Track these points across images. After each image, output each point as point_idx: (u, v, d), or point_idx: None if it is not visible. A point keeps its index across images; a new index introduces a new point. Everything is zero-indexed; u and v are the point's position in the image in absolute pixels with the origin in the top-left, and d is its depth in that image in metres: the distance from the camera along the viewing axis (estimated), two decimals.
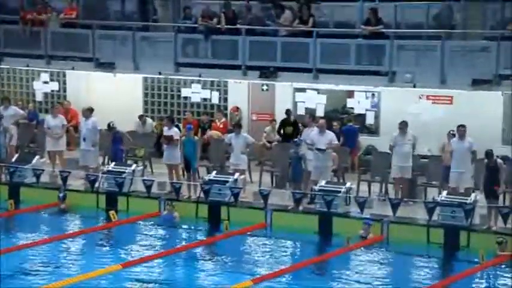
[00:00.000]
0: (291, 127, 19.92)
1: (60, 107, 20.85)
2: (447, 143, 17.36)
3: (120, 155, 19.18)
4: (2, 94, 23.28)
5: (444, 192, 16.51)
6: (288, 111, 20.38)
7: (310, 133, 17.92)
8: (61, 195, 18.21)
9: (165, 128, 18.72)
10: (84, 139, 19.00)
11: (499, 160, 16.24)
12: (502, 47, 17.82)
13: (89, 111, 19.29)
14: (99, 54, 21.57)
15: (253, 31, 20.27)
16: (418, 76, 18.66)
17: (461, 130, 16.79)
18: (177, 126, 19.41)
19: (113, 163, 18.77)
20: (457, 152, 16.74)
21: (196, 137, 18.95)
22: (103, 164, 19.76)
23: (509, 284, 14.23)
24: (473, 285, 14.38)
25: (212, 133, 20.54)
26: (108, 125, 19.20)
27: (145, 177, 18.60)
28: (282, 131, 20.20)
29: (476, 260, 14.89)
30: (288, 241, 16.49)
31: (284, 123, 20.15)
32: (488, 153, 16.18)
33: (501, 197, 16.40)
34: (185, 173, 18.35)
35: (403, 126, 17.34)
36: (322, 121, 17.97)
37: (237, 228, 16.65)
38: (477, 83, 18.03)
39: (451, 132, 17.35)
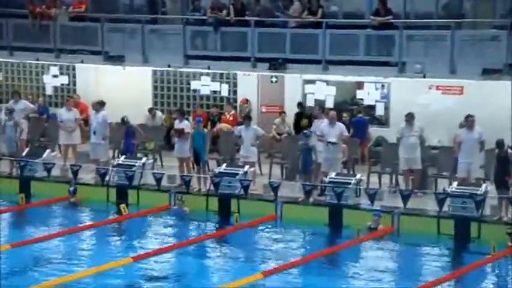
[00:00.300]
0: (307, 119, 19.85)
1: (72, 100, 20.84)
2: (459, 133, 17.27)
3: (132, 148, 19.21)
4: (12, 88, 23.36)
5: (455, 183, 16.44)
6: (301, 104, 20.32)
7: (320, 125, 17.88)
8: (71, 188, 18.26)
9: (176, 121, 18.73)
10: (94, 132, 19.04)
11: (510, 150, 16.15)
12: None
13: (99, 105, 19.32)
14: (108, 48, 21.58)
15: (262, 23, 20.23)
16: (428, 66, 18.60)
17: (470, 120, 16.72)
18: (186, 119, 19.39)
19: (123, 156, 18.80)
20: (465, 142, 16.68)
21: (205, 130, 18.93)
22: (113, 157, 19.79)
23: None
24: (485, 277, 14.33)
25: (222, 126, 20.53)
26: (122, 119, 19.21)
27: (155, 171, 18.62)
28: (298, 124, 20.06)
29: (487, 251, 14.82)
30: (298, 233, 16.51)
31: (300, 115, 20.06)
32: (499, 143, 16.08)
33: None
34: (195, 166, 18.36)
35: (410, 118, 17.29)
36: (332, 113, 17.92)
37: (247, 220, 16.65)
38: (487, 73, 17.95)
39: (462, 123, 17.26)
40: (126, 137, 19.20)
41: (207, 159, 18.40)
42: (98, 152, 19.03)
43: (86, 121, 21.54)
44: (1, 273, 13.90)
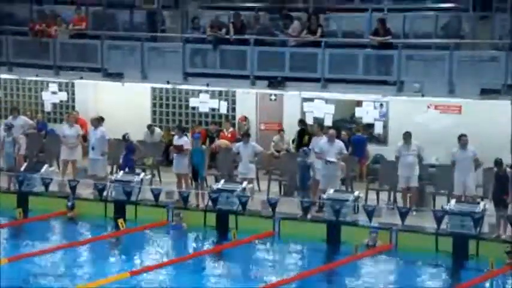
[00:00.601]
0: (308, 136, 19.82)
1: (73, 116, 20.87)
2: (453, 152, 17.33)
3: (131, 164, 19.20)
4: (11, 104, 23.39)
5: (453, 201, 16.48)
6: (302, 121, 20.36)
7: (320, 142, 17.92)
8: (69, 204, 18.24)
9: (175, 137, 18.75)
10: (93, 148, 19.06)
11: (508, 169, 16.20)
12: (511, 56, 17.80)
13: (97, 121, 19.37)
14: (108, 65, 21.62)
15: (262, 41, 20.32)
16: (427, 86, 18.64)
17: (464, 139, 16.88)
18: (185, 135, 19.40)
19: (121, 172, 18.80)
20: (460, 161, 16.82)
21: (204, 146, 18.94)
22: (111, 173, 19.78)
23: None
24: None
25: (220, 142, 20.56)
26: (123, 136, 19.23)
27: (153, 186, 18.61)
28: (300, 141, 20.01)
29: (485, 268, 14.81)
30: (296, 249, 16.50)
31: (302, 132, 20.04)
32: (498, 162, 16.17)
33: (510, 206, 16.31)
34: (193, 182, 18.36)
35: (407, 136, 17.39)
36: (332, 131, 17.98)
37: (245, 236, 16.62)
38: (486, 93, 18.01)
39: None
40: (126, 153, 19.22)
41: (205, 175, 18.39)
42: (97, 168, 19.05)
43: (85, 137, 21.53)
44: None
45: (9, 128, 19.63)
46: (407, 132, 17.51)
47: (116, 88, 21.78)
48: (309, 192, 17.57)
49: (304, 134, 19.84)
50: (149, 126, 21.55)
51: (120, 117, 21.36)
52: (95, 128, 19.25)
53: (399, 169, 17.38)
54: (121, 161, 19.25)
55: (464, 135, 16.87)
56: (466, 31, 19.52)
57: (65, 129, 19.99)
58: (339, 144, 17.76)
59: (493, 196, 16.17)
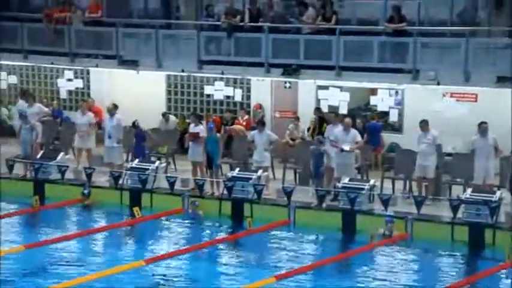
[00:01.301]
0: (326, 124, 19.75)
1: (87, 104, 20.92)
2: (473, 140, 17.25)
3: (143, 152, 19.25)
4: (27, 91, 23.45)
5: (469, 190, 16.42)
6: (319, 109, 20.30)
7: (335, 130, 17.89)
8: (85, 191, 18.32)
9: (192, 125, 18.76)
10: (109, 136, 19.10)
11: None
12: None
13: (113, 108, 19.39)
14: (123, 52, 21.65)
15: (276, 29, 20.26)
16: (442, 74, 18.58)
17: (484, 127, 16.76)
18: (201, 123, 19.40)
19: (137, 160, 18.85)
20: (480, 149, 16.71)
21: (218, 134, 18.95)
22: (126, 161, 19.84)
23: None
24: (498, 283, 14.27)
25: (235, 127, 20.53)
26: (133, 123, 19.29)
27: (168, 174, 18.65)
28: (319, 129, 19.93)
29: (501, 257, 14.77)
30: (311, 238, 16.49)
31: (321, 121, 19.95)
32: None
33: None
34: (207, 170, 18.38)
35: (424, 124, 17.32)
36: (348, 119, 17.92)
37: (260, 225, 16.64)
38: (501, 81, 17.91)
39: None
40: (136, 141, 19.26)
41: (219, 163, 18.40)
42: (113, 156, 19.10)
43: (100, 125, 21.60)
44: (15, 274, 13.96)
45: (24, 116, 19.69)
46: (423, 120, 17.45)
47: (131, 76, 21.81)
48: (323, 180, 17.56)
49: (323, 122, 19.77)
50: (164, 114, 21.57)
51: (135, 104, 21.36)
52: (110, 116, 19.28)
53: (417, 157, 17.32)
54: (134, 149, 19.26)
55: (485, 123, 16.75)
56: (482, 18, 19.38)
57: (77, 117, 20.05)
58: (354, 132, 17.73)
59: (509, 184, 16.09)
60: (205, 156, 18.22)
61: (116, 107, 19.50)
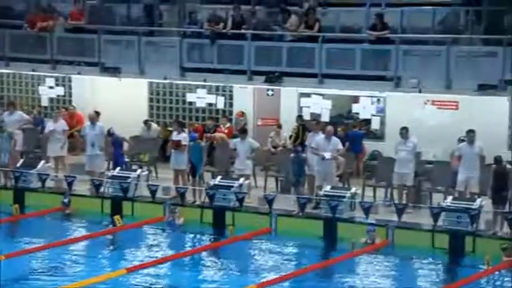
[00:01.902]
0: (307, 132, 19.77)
1: (60, 112, 20.81)
2: (459, 147, 17.31)
3: (122, 160, 19.15)
4: (8, 99, 23.33)
5: (449, 198, 16.49)
6: (301, 117, 20.31)
7: (316, 138, 17.91)
8: (66, 200, 18.22)
9: (174, 133, 18.72)
10: (92, 144, 18.98)
11: (508, 166, 16.19)
12: (508, 52, 17.79)
13: (96, 116, 19.30)
14: (105, 59, 21.57)
15: (259, 36, 20.27)
16: (424, 81, 18.63)
17: (471, 136, 16.82)
18: (183, 131, 19.35)
19: (118, 168, 18.78)
20: (466, 157, 16.77)
21: (202, 143, 18.88)
22: (107, 169, 19.76)
23: None
24: None
25: (215, 134, 20.52)
26: (108, 131, 19.20)
27: (150, 182, 18.60)
28: (298, 137, 19.94)
29: (481, 265, 14.83)
30: (293, 246, 16.48)
31: (304, 129, 19.92)
32: (497, 159, 16.18)
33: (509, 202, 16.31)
34: (190, 178, 18.34)
35: (404, 132, 17.36)
36: (329, 127, 17.96)
37: (242, 233, 16.62)
38: (483, 88, 17.99)
39: (461, 138, 17.33)
40: (114, 148, 19.15)
41: (202, 171, 18.35)
42: (96, 164, 18.99)
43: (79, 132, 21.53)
44: None
45: (0, 126, 19.57)
46: (403, 127, 17.50)
47: (113, 83, 21.74)
48: (304, 188, 17.56)
49: (305, 130, 19.78)
50: (146, 122, 21.51)
51: (117, 112, 21.29)
52: (92, 124, 19.19)
53: (395, 165, 17.37)
54: (113, 157, 19.17)
55: (472, 131, 16.82)
56: (463, 26, 19.46)
57: (49, 125, 19.96)
58: (335, 140, 17.76)
59: (492, 193, 16.15)
60: (189, 164, 18.16)
61: (98, 114, 19.43)
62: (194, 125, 21.13)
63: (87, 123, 19.68)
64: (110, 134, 19.21)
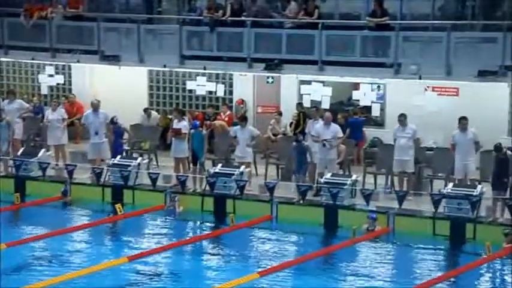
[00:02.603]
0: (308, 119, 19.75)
1: (58, 100, 20.77)
2: (453, 135, 17.31)
3: (121, 149, 19.11)
4: (7, 87, 23.31)
5: (450, 185, 16.49)
6: (301, 104, 20.28)
7: (316, 125, 17.90)
8: (63, 189, 18.22)
9: (175, 121, 18.70)
10: (96, 132, 18.92)
11: (509, 152, 16.19)
12: (508, 37, 17.73)
13: (98, 104, 19.25)
14: (104, 47, 21.52)
15: (258, 23, 20.21)
16: (424, 68, 18.59)
17: (464, 123, 16.80)
18: (184, 119, 19.32)
19: (119, 156, 18.77)
20: (460, 144, 16.75)
21: (204, 131, 18.85)
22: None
23: None
24: (480, 277, 14.35)
25: (215, 122, 20.50)
26: (112, 120, 19.18)
27: (150, 171, 18.60)
28: (298, 125, 19.91)
29: (482, 252, 14.86)
30: (294, 233, 16.51)
31: (303, 117, 19.91)
32: (497, 147, 16.15)
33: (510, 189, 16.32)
34: (191, 166, 18.34)
35: (403, 118, 17.34)
36: (328, 114, 17.94)
37: (243, 221, 16.63)
38: (483, 74, 17.95)
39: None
40: (115, 137, 19.11)
41: (204, 160, 18.33)
42: (101, 151, 18.92)
43: (79, 120, 21.52)
44: None
45: None
46: (402, 114, 17.48)
47: (113, 71, 21.70)
48: (306, 176, 17.56)
49: (305, 117, 19.75)
50: (145, 110, 21.50)
51: (116, 100, 21.26)
52: (96, 112, 19.08)
53: (394, 152, 17.36)
54: (112, 145, 19.11)
55: (465, 118, 16.79)
56: (463, 11, 19.41)
57: (48, 114, 19.94)
58: (335, 127, 17.74)
59: (492, 180, 16.15)
60: (191, 152, 18.15)
61: (99, 102, 19.38)
62: (194, 112, 21.10)
63: (88, 111, 19.61)
64: (113, 122, 19.17)
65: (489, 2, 19.06)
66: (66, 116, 20.12)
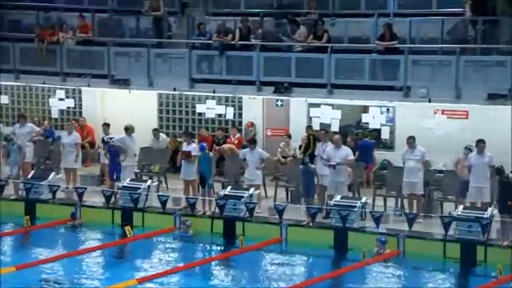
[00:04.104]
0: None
1: (72, 123, 20.90)
2: (461, 157, 17.29)
3: (119, 168, 19.06)
4: (18, 111, 23.44)
5: (460, 207, 16.45)
6: (311, 127, 20.32)
7: (326, 148, 17.91)
8: (74, 212, 18.25)
9: (184, 144, 18.75)
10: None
11: (511, 175, 16.13)
12: None
13: (107, 128, 19.40)
14: (114, 71, 21.64)
15: (268, 47, 20.32)
16: (433, 91, 18.62)
17: (481, 146, 16.74)
18: (193, 142, 19.37)
19: (128, 179, 18.80)
20: (476, 167, 16.68)
21: (211, 154, 18.89)
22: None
23: None
24: None
25: (225, 146, 20.54)
26: (103, 139, 19.22)
27: (160, 193, 18.62)
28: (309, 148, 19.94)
29: (493, 274, 14.77)
30: (303, 256, 16.48)
31: (314, 139, 19.86)
32: (499, 170, 16.13)
33: None
34: (200, 188, 18.36)
35: (411, 141, 17.34)
36: (337, 136, 17.97)
37: (252, 243, 16.62)
38: (492, 98, 17.97)
39: (468, 146, 17.29)
40: (111, 157, 19.00)
41: (212, 182, 18.35)
42: (126, 173, 18.91)
43: (92, 144, 21.58)
44: None
45: (11, 139, 19.62)
46: (411, 136, 17.49)
47: (123, 95, 21.82)
48: (314, 199, 17.54)
49: (315, 140, 19.75)
50: (155, 130, 21.50)
51: (127, 123, 21.27)
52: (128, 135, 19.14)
53: (404, 174, 17.34)
54: (109, 166, 19.05)
55: (482, 141, 16.75)
56: (472, 36, 19.47)
57: (63, 137, 20.05)
58: (346, 150, 17.75)
59: (497, 203, 16.12)
60: (199, 174, 18.18)
61: (108, 126, 19.48)
62: (203, 133, 21.15)
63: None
64: (104, 141, 19.17)
65: (497, 26, 19.08)
66: (80, 140, 20.18)
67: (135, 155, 19.36)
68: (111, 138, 19.18)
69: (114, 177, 18.77)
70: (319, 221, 17.13)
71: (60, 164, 20.07)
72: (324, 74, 19.52)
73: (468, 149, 17.21)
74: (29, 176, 19.45)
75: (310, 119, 20.94)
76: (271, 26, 21.02)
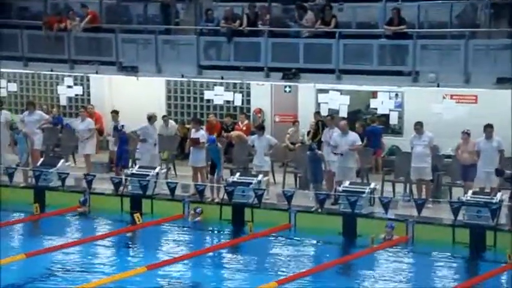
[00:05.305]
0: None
1: (84, 110, 20.95)
2: (461, 142, 17.21)
3: (126, 156, 19.08)
4: (27, 99, 23.48)
5: (469, 192, 16.40)
6: (319, 113, 20.27)
7: (333, 134, 17.86)
8: (82, 199, 18.30)
9: (192, 130, 18.75)
10: (144, 140, 19.06)
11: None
12: None
13: (116, 115, 19.53)
14: (122, 58, 21.63)
15: (275, 33, 20.25)
16: (442, 75, 18.56)
17: (489, 131, 16.68)
18: (201, 129, 19.35)
19: (137, 166, 18.84)
20: (484, 152, 16.64)
21: (219, 145, 18.72)
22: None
23: None
24: (500, 285, 14.24)
25: (233, 133, 20.53)
26: (115, 127, 19.27)
27: (169, 180, 18.64)
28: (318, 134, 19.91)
29: (503, 260, 14.74)
30: (312, 242, 16.47)
31: (322, 126, 19.78)
32: (499, 171, 16.12)
33: None
34: (209, 175, 18.35)
35: (419, 126, 17.27)
36: (343, 122, 17.87)
37: (261, 229, 16.63)
38: (501, 82, 17.89)
39: (465, 131, 17.18)
40: (120, 144, 19.09)
41: (222, 174, 18.19)
42: (153, 160, 18.98)
43: (101, 131, 21.60)
44: (17, 282, 13.94)
45: (16, 127, 19.72)
46: (418, 122, 17.42)
47: (131, 81, 21.82)
48: (322, 185, 17.52)
49: (323, 126, 19.71)
50: (164, 117, 21.49)
51: (135, 110, 21.35)
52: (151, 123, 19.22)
53: (412, 160, 17.29)
54: (116, 153, 19.13)
55: (490, 126, 16.69)
56: (481, 19, 19.35)
57: (77, 124, 20.11)
58: (354, 136, 17.70)
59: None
60: (209, 162, 18.16)
61: (117, 113, 19.49)
62: (210, 118, 21.10)
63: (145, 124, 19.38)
64: (116, 129, 19.21)
65: (506, 9, 18.96)
66: (93, 126, 20.22)
67: (155, 144, 19.26)
68: (123, 126, 19.19)
69: (122, 164, 18.78)
70: (328, 207, 17.12)
71: (77, 150, 20.07)
72: (332, 59, 19.47)
73: (466, 134, 17.13)
74: (38, 163, 19.49)
75: (318, 105, 20.92)
76: (279, 12, 20.97)
